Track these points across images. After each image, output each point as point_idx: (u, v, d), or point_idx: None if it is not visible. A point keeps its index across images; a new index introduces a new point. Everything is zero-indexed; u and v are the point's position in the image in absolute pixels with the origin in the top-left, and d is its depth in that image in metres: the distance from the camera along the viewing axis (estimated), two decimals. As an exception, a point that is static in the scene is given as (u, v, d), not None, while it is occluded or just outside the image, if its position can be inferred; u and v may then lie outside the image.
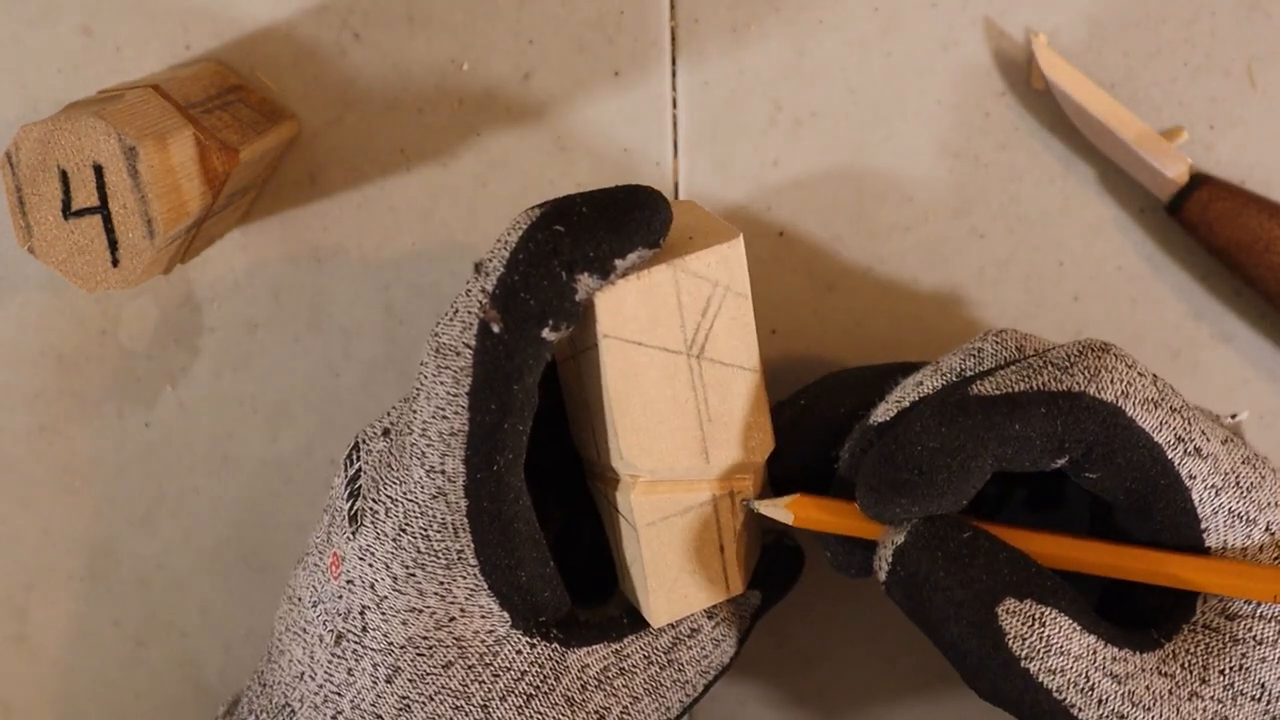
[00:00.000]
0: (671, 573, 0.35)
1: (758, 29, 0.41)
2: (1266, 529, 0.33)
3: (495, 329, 0.31)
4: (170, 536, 0.45)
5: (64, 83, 0.42)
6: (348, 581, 0.34)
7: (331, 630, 0.34)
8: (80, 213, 0.33)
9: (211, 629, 0.46)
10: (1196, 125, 0.41)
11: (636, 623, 0.36)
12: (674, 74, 0.42)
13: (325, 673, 0.34)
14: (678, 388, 0.33)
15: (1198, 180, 0.40)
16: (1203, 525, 0.33)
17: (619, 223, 0.31)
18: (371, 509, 0.34)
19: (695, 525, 0.35)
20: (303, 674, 0.35)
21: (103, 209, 0.33)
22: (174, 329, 0.43)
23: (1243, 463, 0.33)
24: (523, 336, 0.31)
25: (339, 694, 0.34)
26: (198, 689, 0.46)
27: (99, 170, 0.33)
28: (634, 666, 0.35)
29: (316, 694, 0.35)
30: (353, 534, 0.34)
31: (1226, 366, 0.43)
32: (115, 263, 0.34)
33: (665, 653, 0.36)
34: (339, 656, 0.34)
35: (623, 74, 0.42)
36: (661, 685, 0.36)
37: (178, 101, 0.36)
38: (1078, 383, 0.32)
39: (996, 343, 0.35)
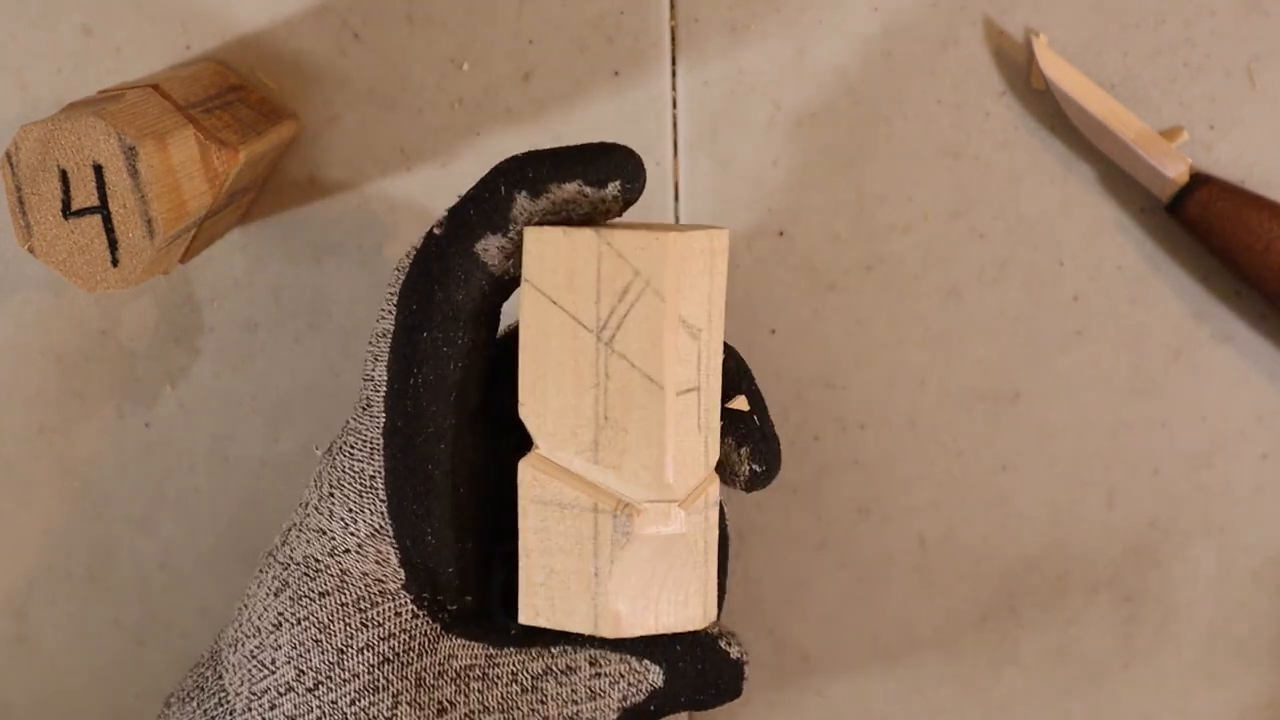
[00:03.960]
0: (544, 569, 0.33)
1: (758, 29, 0.41)
2: None
3: (437, 232, 0.33)
4: (170, 536, 0.45)
5: (64, 83, 0.42)
6: (298, 505, 0.35)
7: (267, 554, 0.35)
8: (80, 212, 0.33)
9: (211, 629, 0.45)
10: (1196, 125, 0.41)
11: (521, 640, 0.34)
12: (674, 74, 0.42)
13: (247, 591, 0.35)
14: (581, 365, 0.32)
15: (1198, 180, 0.40)
16: None
17: (568, 155, 0.32)
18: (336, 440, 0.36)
19: (571, 530, 0.33)
20: (239, 606, 0.36)
21: (103, 209, 0.33)
22: (174, 329, 0.43)
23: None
24: (454, 241, 0.33)
25: (244, 606, 0.35)
26: (198, 689, 0.46)
27: (99, 170, 0.33)
28: (497, 677, 0.34)
29: (235, 612, 0.35)
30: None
31: (1226, 366, 0.43)
32: (115, 263, 0.34)
33: (533, 678, 0.34)
34: (259, 573, 0.35)
35: (623, 74, 0.42)
36: (516, 708, 0.34)
37: (178, 101, 0.36)
38: None
39: None
